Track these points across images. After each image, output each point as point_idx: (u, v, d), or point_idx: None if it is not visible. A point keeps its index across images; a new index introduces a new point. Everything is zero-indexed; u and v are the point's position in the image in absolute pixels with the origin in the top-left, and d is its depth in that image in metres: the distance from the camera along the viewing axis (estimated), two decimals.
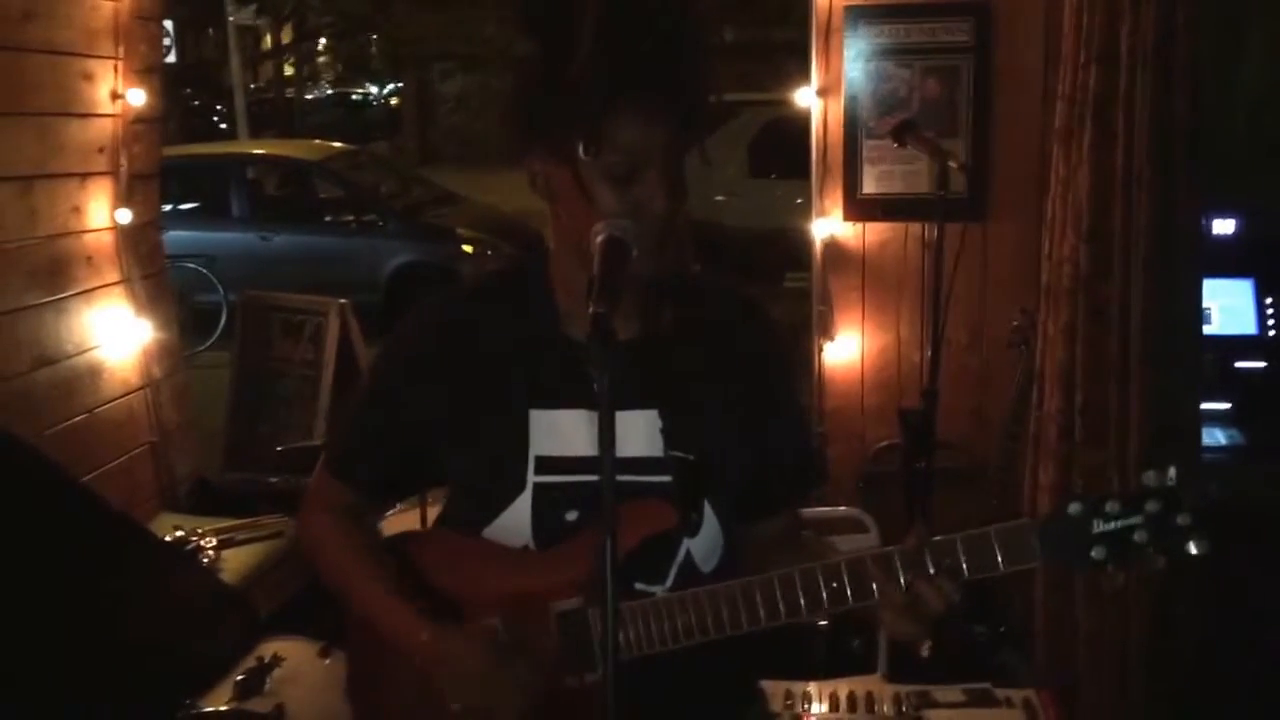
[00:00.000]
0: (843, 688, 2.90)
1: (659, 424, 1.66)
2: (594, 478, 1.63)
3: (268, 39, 31.45)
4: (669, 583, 1.66)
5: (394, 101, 32.63)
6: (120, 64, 3.99)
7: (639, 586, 1.64)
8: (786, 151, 10.41)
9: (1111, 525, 1.46)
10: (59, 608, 2.77)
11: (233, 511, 4.22)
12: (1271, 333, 3.73)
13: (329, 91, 34.01)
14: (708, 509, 1.70)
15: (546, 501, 1.66)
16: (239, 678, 2.99)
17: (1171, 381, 3.18)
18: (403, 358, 1.79)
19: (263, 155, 12.93)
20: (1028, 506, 3.60)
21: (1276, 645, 3.30)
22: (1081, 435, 3.32)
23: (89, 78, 3.88)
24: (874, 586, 1.53)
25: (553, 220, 1.64)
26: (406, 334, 1.80)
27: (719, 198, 11.51)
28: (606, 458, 1.33)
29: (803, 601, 1.56)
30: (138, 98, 4.05)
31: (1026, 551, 1.50)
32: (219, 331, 9.71)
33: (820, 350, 4.22)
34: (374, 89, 34.24)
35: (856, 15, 4.00)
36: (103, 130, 3.98)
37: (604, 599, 1.51)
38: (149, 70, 4.13)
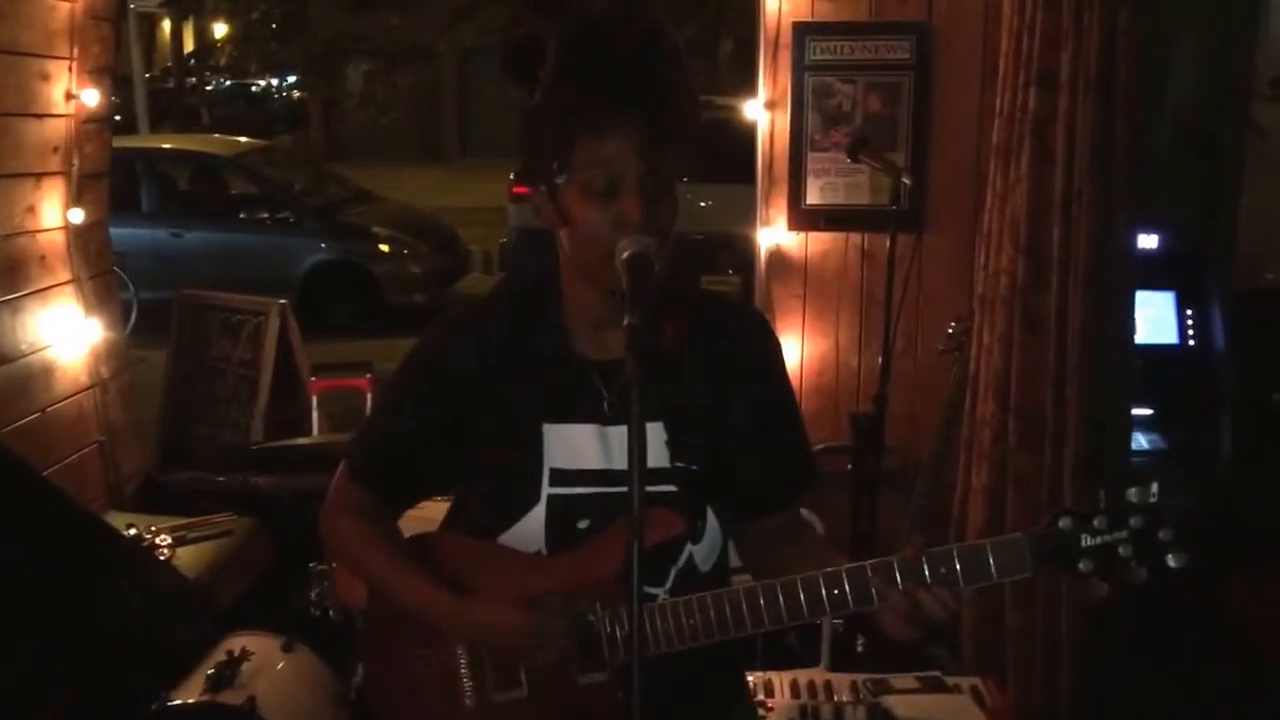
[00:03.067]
0: (801, 676, 3.03)
1: (664, 436, 1.74)
2: (605, 489, 1.74)
3: (165, 25, 30.81)
4: (669, 584, 1.76)
5: (295, 95, 32.14)
6: (74, 64, 4.00)
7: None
8: (696, 155, 10.52)
9: (1098, 540, 1.57)
10: (35, 602, 2.80)
11: (177, 510, 4.25)
12: (1191, 343, 3.95)
13: (228, 83, 33.35)
14: (709, 514, 1.80)
15: (560, 511, 1.75)
16: (209, 671, 3.02)
17: (1105, 389, 3.37)
18: (424, 369, 1.87)
19: (173, 150, 12.69)
20: (958, 506, 3.76)
21: (1201, 641, 3.50)
22: (1015, 440, 3.48)
23: (45, 78, 3.89)
24: (874, 593, 1.63)
25: (558, 245, 1.73)
26: (428, 346, 1.88)
27: None
28: (636, 465, 1.39)
29: (805, 607, 1.65)
30: (91, 98, 4.07)
31: (1019, 563, 1.60)
32: (129, 328, 9.56)
33: None
34: (274, 81, 33.66)
35: (803, 32, 4.14)
36: (57, 130, 3.99)
37: (619, 601, 1.65)
38: (100, 71, 4.14)
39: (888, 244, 3.72)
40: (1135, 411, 3.73)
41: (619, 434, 1.74)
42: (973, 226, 3.87)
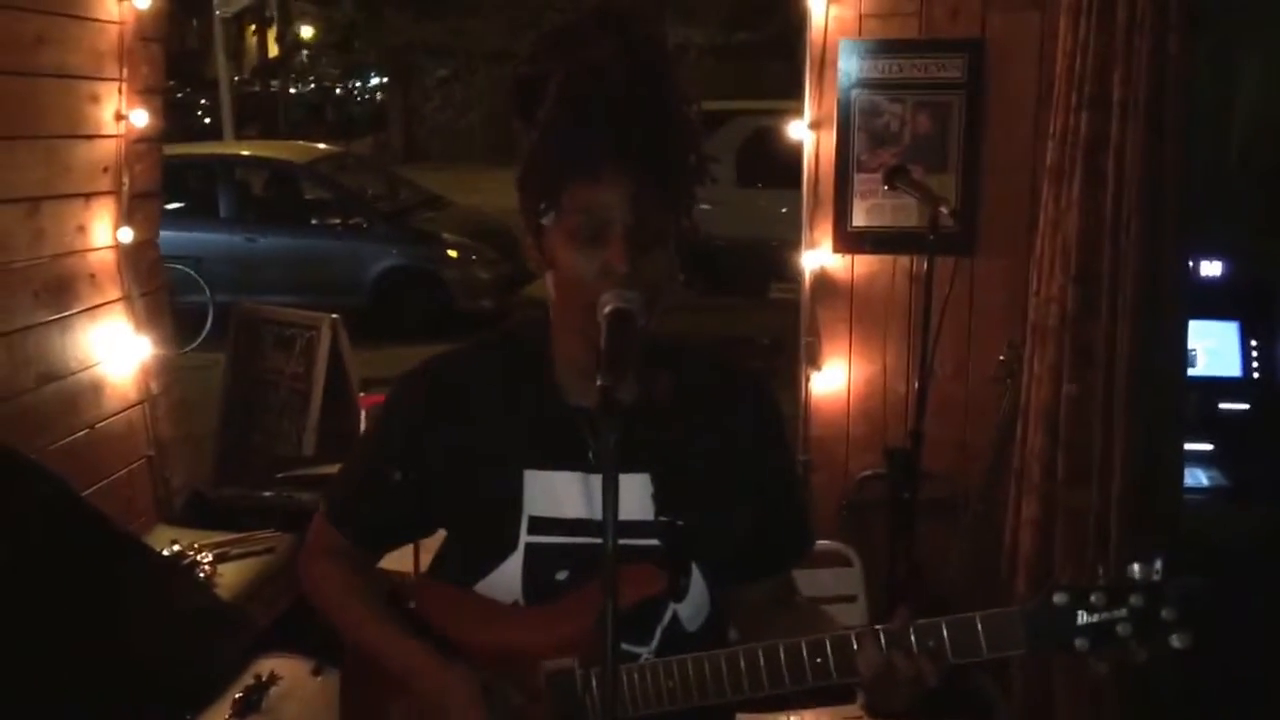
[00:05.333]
0: (825, 719, 2.96)
1: (650, 489, 1.69)
2: (585, 539, 1.68)
3: (251, 30, 31.36)
4: (654, 643, 1.70)
5: (378, 97, 32.57)
6: (124, 85, 4.05)
7: (625, 647, 1.67)
8: (773, 160, 10.44)
9: (1095, 617, 1.49)
10: (64, 622, 2.82)
11: (226, 525, 4.28)
12: (1256, 375, 3.79)
13: (311, 86, 33.87)
14: (695, 572, 1.73)
15: (538, 561, 1.70)
16: (237, 695, 3.03)
17: (1155, 422, 3.26)
18: (403, 412, 1.82)
19: (250, 156, 12.93)
20: (1009, 537, 3.67)
21: (1254, 680, 3.38)
22: (1064, 474, 3.39)
23: (95, 100, 3.93)
24: (858, 663, 1.56)
25: (549, 290, 1.68)
26: (408, 389, 1.83)
27: (705, 207, 11.50)
28: (609, 527, 1.35)
29: (786, 675, 1.59)
30: (140, 118, 4.11)
31: (1011, 639, 1.52)
32: (205, 332, 9.74)
33: (808, 379, 4.27)
34: (357, 83, 34.14)
35: (850, 50, 4.04)
36: (107, 151, 4.04)
37: (597, 660, 1.58)
38: (150, 91, 4.19)
39: (938, 265, 3.62)
40: (1195, 447, 3.60)
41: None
42: (1027, 247, 3.75)
